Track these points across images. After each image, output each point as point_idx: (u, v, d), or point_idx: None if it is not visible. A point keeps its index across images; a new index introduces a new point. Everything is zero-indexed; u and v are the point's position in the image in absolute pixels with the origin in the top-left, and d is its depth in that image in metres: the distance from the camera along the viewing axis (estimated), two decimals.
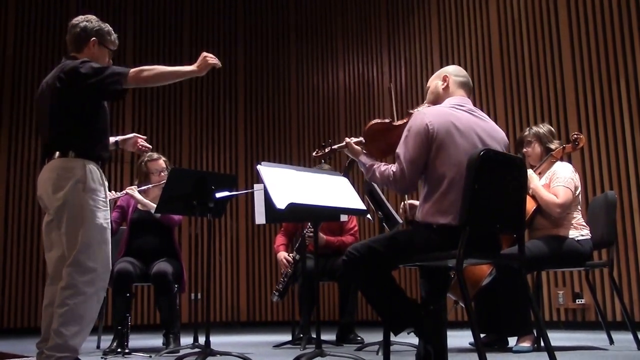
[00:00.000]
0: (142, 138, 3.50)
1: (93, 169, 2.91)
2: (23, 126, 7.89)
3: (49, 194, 2.89)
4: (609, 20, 5.56)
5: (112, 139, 3.38)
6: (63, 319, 2.75)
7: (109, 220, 2.97)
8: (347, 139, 2.88)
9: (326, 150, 2.94)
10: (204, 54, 2.97)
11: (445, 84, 2.81)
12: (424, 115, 2.62)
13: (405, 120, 2.78)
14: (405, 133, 2.64)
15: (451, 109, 2.68)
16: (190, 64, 2.96)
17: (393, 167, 2.64)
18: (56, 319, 2.76)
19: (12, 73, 7.96)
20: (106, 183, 3.00)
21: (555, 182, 3.73)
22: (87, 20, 3.10)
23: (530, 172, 3.79)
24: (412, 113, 2.75)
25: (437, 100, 2.81)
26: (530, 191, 3.78)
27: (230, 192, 3.84)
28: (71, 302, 2.76)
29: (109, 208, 2.98)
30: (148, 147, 3.57)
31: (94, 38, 3.06)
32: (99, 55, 3.08)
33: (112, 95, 2.98)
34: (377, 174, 2.70)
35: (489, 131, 2.69)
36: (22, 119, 7.90)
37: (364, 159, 2.81)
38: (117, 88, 2.88)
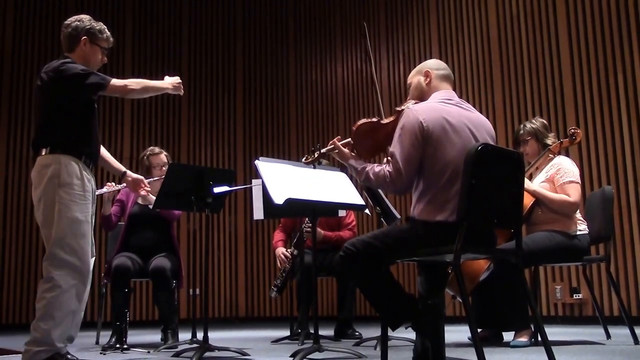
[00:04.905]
0: (147, 187, 3.54)
1: (69, 163, 2.93)
2: (22, 121, 7.87)
3: (33, 192, 2.96)
4: (606, 15, 5.56)
5: (122, 168, 3.44)
6: (40, 312, 2.78)
7: (89, 215, 2.97)
8: (336, 141, 2.76)
9: (315, 155, 2.88)
10: (179, 79, 3.23)
11: (428, 79, 2.75)
12: (417, 112, 2.55)
13: (393, 118, 2.70)
14: (398, 132, 2.56)
15: (441, 103, 2.63)
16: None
17: (388, 168, 2.55)
18: (36, 312, 2.79)
19: (11, 68, 7.95)
20: (88, 177, 3.00)
21: (564, 177, 3.72)
22: (78, 20, 3.15)
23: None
24: (399, 111, 2.67)
25: (422, 96, 2.75)
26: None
27: (228, 187, 3.84)
28: (48, 295, 2.79)
29: (90, 202, 2.98)
30: (144, 194, 3.71)
31: (84, 37, 3.11)
32: (91, 53, 3.13)
33: (88, 99, 3.05)
34: (372, 175, 2.60)
35: (478, 123, 2.65)
36: (21, 114, 7.88)
37: (353, 162, 2.70)
38: (92, 97, 3.00)
